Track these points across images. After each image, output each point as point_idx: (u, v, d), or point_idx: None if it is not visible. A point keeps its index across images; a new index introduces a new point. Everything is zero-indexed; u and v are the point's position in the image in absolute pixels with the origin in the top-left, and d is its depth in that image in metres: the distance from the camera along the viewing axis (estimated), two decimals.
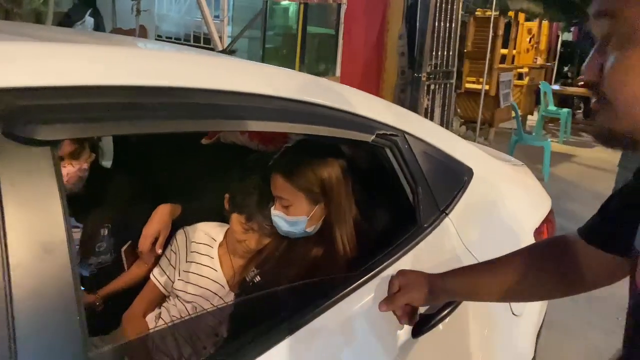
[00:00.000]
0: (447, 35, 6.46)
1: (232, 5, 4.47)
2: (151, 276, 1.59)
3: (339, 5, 5.43)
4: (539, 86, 8.33)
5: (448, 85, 6.66)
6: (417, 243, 1.23)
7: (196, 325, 1.34)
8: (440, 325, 1.17)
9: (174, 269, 1.57)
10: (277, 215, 1.29)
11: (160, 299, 1.60)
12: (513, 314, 1.53)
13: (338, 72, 5.64)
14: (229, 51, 4.35)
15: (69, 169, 1.59)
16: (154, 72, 0.79)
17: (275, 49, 5.44)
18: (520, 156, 2.28)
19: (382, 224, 1.34)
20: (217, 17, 4.38)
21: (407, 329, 1.10)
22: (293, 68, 5.30)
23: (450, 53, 6.63)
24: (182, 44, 4.72)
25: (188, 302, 1.51)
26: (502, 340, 1.47)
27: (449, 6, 6.33)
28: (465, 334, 1.29)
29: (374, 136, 1.14)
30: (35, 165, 0.64)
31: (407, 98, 6.35)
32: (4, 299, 0.59)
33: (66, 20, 5.32)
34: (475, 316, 1.34)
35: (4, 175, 0.61)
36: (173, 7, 4.76)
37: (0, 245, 0.60)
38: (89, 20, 5.41)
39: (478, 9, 7.94)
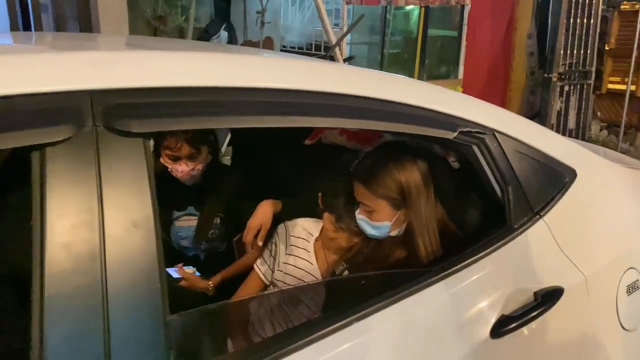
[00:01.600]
0: (584, 32, 5.98)
1: (351, 14, 4.58)
2: (254, 266, 1.72)
3: (462, 7, 5.29)
4: None
5: (585, 86, 6.16)
6: (505, 244, 1.19)
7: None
8: (525, 330, 1.13)
9: (274, 260, 1.68)
10: (362, 220, 1.34)
11: (262, 288, 1.72)
12: (623, 327, 1.41)
13: (460, 75, 5.49)
14: (347, 58, 4.47)
15: (184, 168, 1.77)
16: (226, 74, 0.88)
17: (395, 54, 5.46)
18: None
19: (470, 224, 1.32)
20: (337, 25, 4.52)
21: (486, 328, 1.08)
22: (412, 72, 5.27)
23: (589, 51, 6.13)
24: (303, 52, 4.95)
25: None
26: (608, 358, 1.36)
27: (587, 0, 5.86)
28: (558, 345, 1.22)
29: (456, 133, 1.13)
30: (129, 153, 0.76)
31: (537, 100, 6.00)
32: (100, 264, 0.71)
33: (204, 35, 5.83)
34: (572, 325, 1.27)
35: (104, 161, 0.74)
36: (297, 17, 5.00)
37: (97, 219, 0.72)
38: (224, 34, 5.87)
39: (624, 2, 7.22)
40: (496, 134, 1.23)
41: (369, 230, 1.34)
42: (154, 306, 0.74)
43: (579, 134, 6.14)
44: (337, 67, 1.23)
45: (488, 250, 1.17)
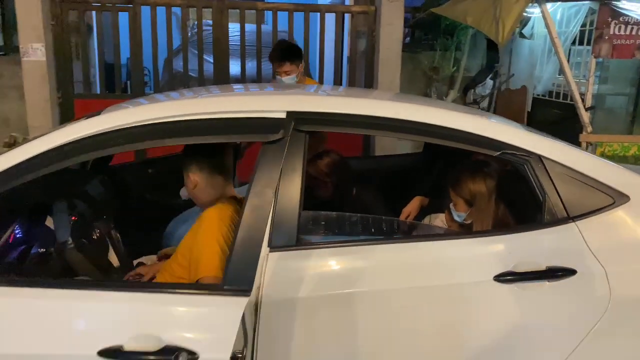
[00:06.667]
0: None
1: (599, 66, 4.78)
2: None
3: None
4: None
5: None
6: (530, 231, 1.78)
7: None
8: (525, 288, 1.70)
9: None
10: (452, 208, 2.11)
11: None
12: None
13: None
14: (589, 107, 4.71)
15: None
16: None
17: None
18: None
19: (520, 216, 1.92)
20: (584, 77, 4.81)
21: (492, 273, 1.70)
22: None
23: None
24: (548, 101, 5.31)
25: None
26: None
27: None
28: (564, 312, 1.72)
29: (498, 153, 1.79)
30: (300, 141, 1.75)
31: None
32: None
33: (471, 82, 6.67)
34: (584, 303, 1.73)
35: (289, 144, 1.74)
36: (550, 68, 5.39)
37: (276, 185, 1.70)
38: (489, 82, 6.59)
39: None
40: (542, 158, 1.82)
41: (455, 216, 2.08)
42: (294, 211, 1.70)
43: None
44: (423, 107, 1.99)
45: (512, 231, 1.78)
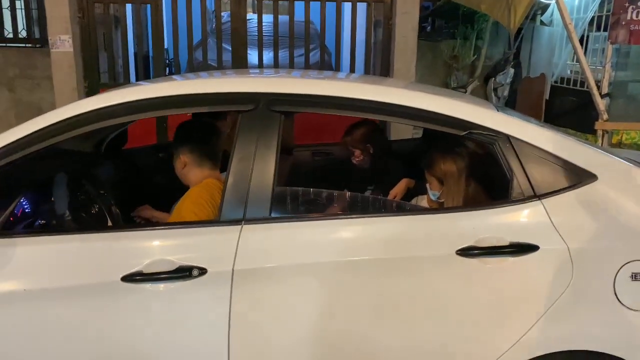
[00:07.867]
0: None
1: (617, 53, 4.68)
2: None
3: None
4: None
5: None
6: (496, 208, 1.84)
7: None
8: (487, 263, 1.76)
9: None
10: (428, 188, 2.21)
11: None
12: (622, 304, 1.78)
13: None
14: (604, 94, 4.64)
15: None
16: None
17: None
18: None
19: (491, 194, 1.98)
20: (600, 63, 4.73)
21: (454, 247, 1.76)
22: None
23: None
24: (562, 87, 5.23)
25: None
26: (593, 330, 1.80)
27: None
28: (524, 285, 1.77)
29: (465, 132, 1.85)
30: (274, 121, 1.86)
31: None
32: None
33: (491, 71, 6.61)
34: (546, 278, 1.78)
35: (262, 126, 1.85)
36: (565, 55, 5.31)
37: (252, 159, 1.82)
38: (510, 70, 6.53)
39: None
40: (510, 138, 1.86)
41: (431, 195, 2.16)
42: (268, 186, 1.81)
43: None
44: (391, 88, 2.08)
45: (477, 207, 1.84)
